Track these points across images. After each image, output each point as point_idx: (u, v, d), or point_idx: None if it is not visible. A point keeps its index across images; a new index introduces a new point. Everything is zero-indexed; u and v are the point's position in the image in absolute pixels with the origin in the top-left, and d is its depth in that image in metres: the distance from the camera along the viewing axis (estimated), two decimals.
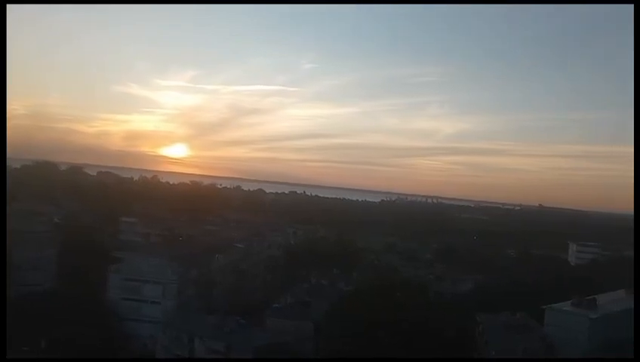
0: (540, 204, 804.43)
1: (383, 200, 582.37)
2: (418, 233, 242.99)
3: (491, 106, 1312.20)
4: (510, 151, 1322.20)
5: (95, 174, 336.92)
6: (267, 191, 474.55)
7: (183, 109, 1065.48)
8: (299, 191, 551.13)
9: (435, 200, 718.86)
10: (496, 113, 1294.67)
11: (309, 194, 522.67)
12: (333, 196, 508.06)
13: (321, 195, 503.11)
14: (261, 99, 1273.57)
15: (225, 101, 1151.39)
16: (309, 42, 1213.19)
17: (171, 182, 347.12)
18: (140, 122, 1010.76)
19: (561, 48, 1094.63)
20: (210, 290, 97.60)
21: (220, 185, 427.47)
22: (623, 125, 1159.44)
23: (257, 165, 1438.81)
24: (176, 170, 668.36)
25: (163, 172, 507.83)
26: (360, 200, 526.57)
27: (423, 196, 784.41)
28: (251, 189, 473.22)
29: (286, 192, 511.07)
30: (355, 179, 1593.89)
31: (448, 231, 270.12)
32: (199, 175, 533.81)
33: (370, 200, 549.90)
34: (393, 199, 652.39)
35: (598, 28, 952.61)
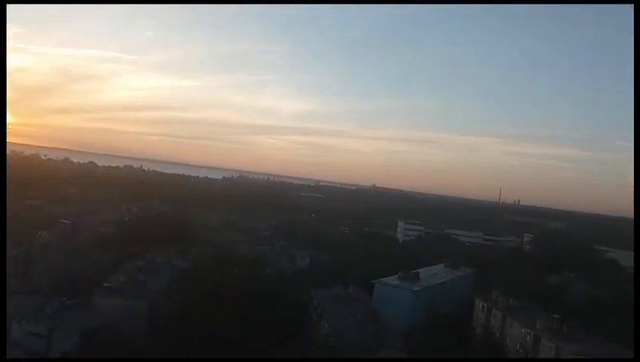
0: (374, 185, 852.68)
1: (224, 178, 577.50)
2: (258, 210, 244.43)
3: (333, 89, 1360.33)
4: (348, 133, 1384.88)
5: None
6: (99, 164, 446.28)
7: None
8: (135, 165, 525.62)
9: (276, 179, 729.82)
10: (338, 95, 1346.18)
11: (146, 169, 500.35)
12: (173, 172, 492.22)
13: (160, 171, 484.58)
14: (95, 64, 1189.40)
15: (53, 64, 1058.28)
16: (151, 8, 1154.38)
17: None
18: None
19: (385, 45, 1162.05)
20: (30, 270, 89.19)
21: (45, 156, 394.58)
22: (446, 113, 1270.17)
23: (89, 136, 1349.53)
24: None
25: None
26: (201, 176, 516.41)
27: (265, 174, 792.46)
28: (82, 162, 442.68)
29: (121, 166, 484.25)
30: (197, 155, 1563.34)
31: (288, 209, 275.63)
32: (21, 144, 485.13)
33: (212, 176, 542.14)
34: (235, 176, 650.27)
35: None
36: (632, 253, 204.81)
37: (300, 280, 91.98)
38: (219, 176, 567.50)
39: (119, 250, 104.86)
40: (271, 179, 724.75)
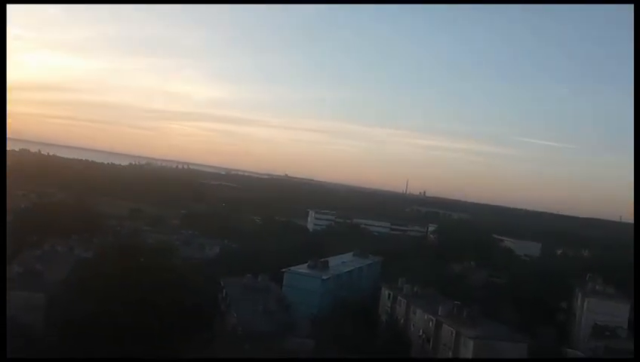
0: (286, 174, 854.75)
1: (131, 164, 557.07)
2: (166, 199, 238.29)
3: (247, 77, 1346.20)
4: (261, 121, 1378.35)
5: None
6: None
7: None
8: (33, 149, 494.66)
9: (186, 166, 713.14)
10: (251, 84, 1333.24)
11: (45, 153, 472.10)
12: (76, 157, 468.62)
13: (61, 155, 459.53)
14: None
15: None
16: None
17: None
18: None
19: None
20: None
21: None
22: (358, 105, 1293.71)
23: None
24: None
25: None
26: (106, 162, 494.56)
27: (174, 161, 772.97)
28: None
29: (16, 150, 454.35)
30: (103, 140, 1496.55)
31: (197, 198, 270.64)
32: None
33: (118, 163, 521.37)
34: (142, 163, 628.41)
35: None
36: (526, 242, 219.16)
37: (209, 270, 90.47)
38: (125, 163, 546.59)
39: (14, 239, 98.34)
40: (180, 166, 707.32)
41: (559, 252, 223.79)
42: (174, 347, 55.59)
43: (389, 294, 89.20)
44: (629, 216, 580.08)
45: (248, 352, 54.36)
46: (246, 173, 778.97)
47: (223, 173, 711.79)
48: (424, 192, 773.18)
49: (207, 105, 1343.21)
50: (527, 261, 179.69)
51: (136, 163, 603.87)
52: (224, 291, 78.14)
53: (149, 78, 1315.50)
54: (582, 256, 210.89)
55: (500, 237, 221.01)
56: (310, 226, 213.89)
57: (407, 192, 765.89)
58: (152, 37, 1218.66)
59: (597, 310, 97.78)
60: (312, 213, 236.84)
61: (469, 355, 65.63)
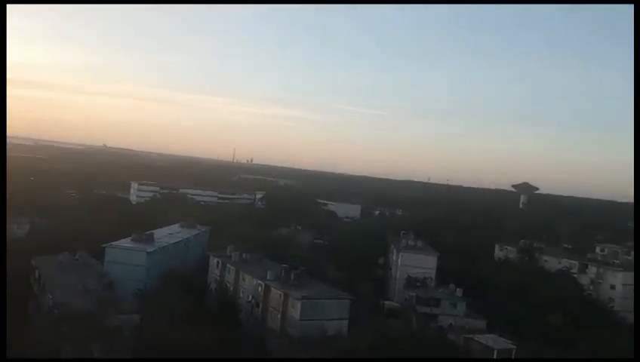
0: (105, 144, 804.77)
1: None
2: None
3: (62, 38, 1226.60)
4: (74, 88, 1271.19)
5: None
6: None
7: None
8: None
9: None
10: (65, 46, 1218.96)
11: None
12: None
13: None
14: None
15: None
16: None
17: None
18: None
19: None
20: None
21: None
22: (185, 70, 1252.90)
23: None
24: None
25: None
26: None
27: None
28: None
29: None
30: None
31: None
32: None
33: None
34: None
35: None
36: (348, 204, 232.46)
37: (19, 249, 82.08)
38: None
39: None
40: None
41: (377, 212, 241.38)
42: None
43: (218, 262, 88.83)
44: (437, 177, 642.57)
45: (68, 334, 50.72)
46: (58, 144, 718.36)
47: (32, 143, 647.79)
48: (251, 160, 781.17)
49: (14, 69, 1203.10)
50: (349, 222, 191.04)
51: None
52: (37, 271, 71.69)
53: None
54: (396, 215, 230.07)
55: (324, 201, 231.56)
56: (133, 198, 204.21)
57: (235, 160, 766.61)
58: None
59: (409, 263, 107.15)
60: (134, 185, 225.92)
61: (297, 316, 68.14)
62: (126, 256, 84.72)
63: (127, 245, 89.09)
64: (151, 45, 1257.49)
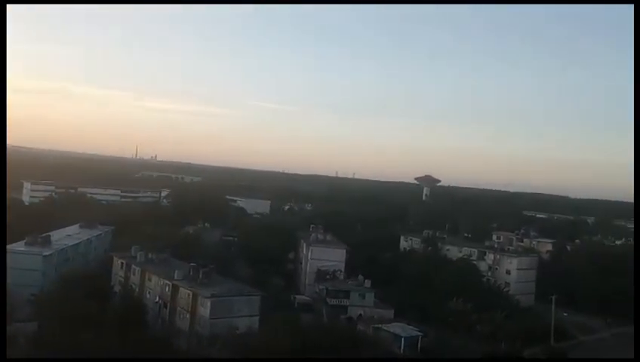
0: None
1: None
2: None
3: None
4: None
5: None
6: None
7: None
8: None
9: None
10: None
11: None
12: None
13: None
14: None
15: None
16: None
17: None
18: None
19: None
20: None
21: None
22: (82, 62, 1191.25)
23: None
24: None
25: None
26: None
27: None
28: None
29: None
30: None
31: None
32: None
33: None
34: None
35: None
36: (257, 200, 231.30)
37: None
38: None
39: None
40: None
41: (286, 207, 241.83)
42: None
43: (122, 263, 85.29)
44: (344, 172, 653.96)
45: None
46: None
47: None
48: (155, 156, 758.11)
49: None
50: (258, 218, 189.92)
51: None
52: None
53: None
54: (306, 210, 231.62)
55: (232, 197, 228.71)
56: (26, 199, 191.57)
57: (138, 157, 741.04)
58: None
59: (319, 257, 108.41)
60: (27, 185, 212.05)
61: (207, 314, 66.84)
62: (19, 260, 79.38)
63: (21, 248, 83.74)
64: (46, 36, 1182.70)
